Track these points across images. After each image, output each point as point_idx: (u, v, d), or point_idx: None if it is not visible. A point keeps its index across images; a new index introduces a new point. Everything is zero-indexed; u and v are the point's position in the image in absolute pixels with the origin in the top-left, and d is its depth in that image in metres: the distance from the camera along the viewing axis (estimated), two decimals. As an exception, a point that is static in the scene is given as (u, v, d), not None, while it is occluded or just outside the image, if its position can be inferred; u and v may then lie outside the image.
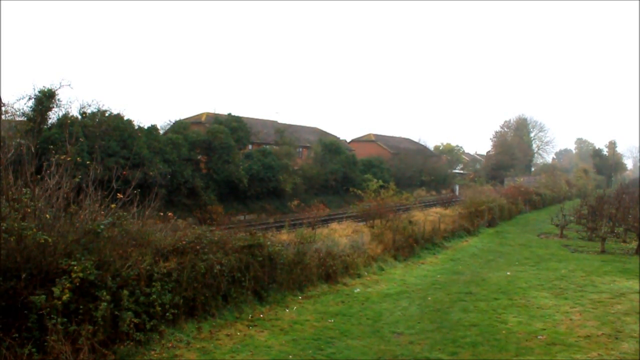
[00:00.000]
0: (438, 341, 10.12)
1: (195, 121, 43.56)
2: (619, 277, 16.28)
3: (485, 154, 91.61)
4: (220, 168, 33.28)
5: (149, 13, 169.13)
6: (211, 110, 48.38)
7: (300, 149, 50.92)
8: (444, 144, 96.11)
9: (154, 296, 9.30)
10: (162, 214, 11.86)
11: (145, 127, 30.40)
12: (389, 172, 52.06)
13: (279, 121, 55.49)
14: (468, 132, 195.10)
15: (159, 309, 9.30)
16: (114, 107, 43.38)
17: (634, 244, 22.53)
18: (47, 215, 8.86)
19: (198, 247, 10.88)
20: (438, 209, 29.60)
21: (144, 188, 16.47)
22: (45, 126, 25.88)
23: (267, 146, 40.65)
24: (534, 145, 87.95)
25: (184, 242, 10.77)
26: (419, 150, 71.00)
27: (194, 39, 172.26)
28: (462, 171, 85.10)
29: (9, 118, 24.45)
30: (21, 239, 8.04)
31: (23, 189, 9.07)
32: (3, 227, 7.99)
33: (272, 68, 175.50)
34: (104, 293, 8.39)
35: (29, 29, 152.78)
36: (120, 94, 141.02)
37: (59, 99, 26.15)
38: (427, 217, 24.75)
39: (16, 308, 7.70)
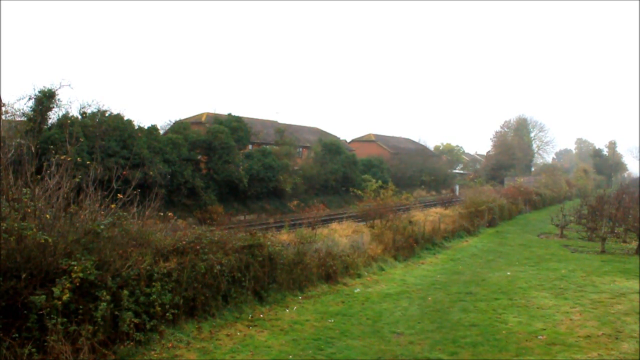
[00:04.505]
0: (438, 341, 10.12)
1: (195, 121, 43.57)
2: (619, 277, 16.28)
3: (485, 154, 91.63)
4: (220, 168, 33.27)
5: (149, 13, 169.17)
6: (211, 110, 48.45)
7: (300, 149, 50.91)
8: (444, 144, 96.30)
9: (154, 296, 9.29)
10: (162, 214, 11.84)
11: (145, 127, 30.40)
12: (389, 172, 52.09)
13: (279, 121, 55.50)
14: (468, 132, 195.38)
15: (159, 309, 9.30)
16: (114, 107, 43.59)
17: (634, 244, 22.52)
18: (47, 215, 8.85)
19: (198, 247, 10.87)
20: (438, 209, 29.60)
21: (144, 188, 16.51)
22: (45, 126, 25.89)
23: (267, 146, 40.64)
24: (534, 145, 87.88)
25: (184, 242, 10.77)
26: (419, 150, 71.04)
27: (194, 39, 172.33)
28: (462, 171, 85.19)
29: (9, 118, 24.47)
30: (21, 239, 8.03)
31: (23, 189, 9.06)
32: (3, 227, 7.98)
33: (272, 68, 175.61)
34: (104, 293, 8.38)
35: (29, 29, 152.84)
36: (120, 94, 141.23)
37: (59, 99, 26.20)
38: (427, 217, 24.75)
39: (16, 308, 7.70)
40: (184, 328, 9.84)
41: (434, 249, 22.06)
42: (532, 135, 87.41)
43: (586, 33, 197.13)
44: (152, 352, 8.80)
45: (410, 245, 20.37)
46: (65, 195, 9.47)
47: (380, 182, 26.64)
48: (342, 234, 18.15)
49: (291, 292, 13.27)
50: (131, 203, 10.25)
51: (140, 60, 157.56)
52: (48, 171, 9.65)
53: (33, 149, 11.05)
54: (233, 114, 38.10)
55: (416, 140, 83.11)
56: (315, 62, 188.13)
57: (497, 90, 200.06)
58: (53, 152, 10.73)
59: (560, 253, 21.77)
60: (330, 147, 46.38)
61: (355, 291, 14.31)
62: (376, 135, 72.87)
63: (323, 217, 25.19)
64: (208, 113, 47.54)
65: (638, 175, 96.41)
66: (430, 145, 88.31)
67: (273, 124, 52.42)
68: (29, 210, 8.69)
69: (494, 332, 10.61)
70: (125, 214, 9.87)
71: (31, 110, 25.45)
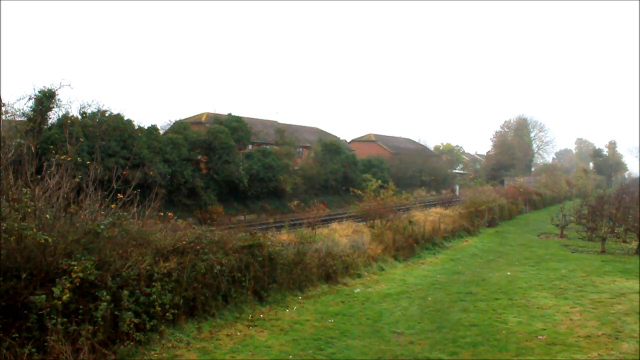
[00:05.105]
0: (438, 341, 10.12)
1: (195, 121, 43.55)
2: (619, 277, 16.28)
3: (485, 154, 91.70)
4: (220, 168, 33.27)
5: (149, 13, 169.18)
6: (211, 110, 48.41)
7: (300, 149, 50.89)
8: (444, 144, 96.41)
9: (154, 296, 9.29)
10: (162, 214, 11.83)
11: (145, 127, 30.39)
12: (389, 172, 52.07)
13: (279, 121, 55.47)
14: (468, 132, 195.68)
15: (159, 309, 9.30)
16: (114, 107, 43.56)
17: (634, 244, 22.51)
18: (47, 215, 8.85)
19: (198, 247, 10.87)
20: (438, 209, 29.57)
21: (144, 188, 16.52)
22: (45, 126, 25.88)
23: (267, 146, 40.62)
24: (534, 145, 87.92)
25: (184, 242, 10.76)
26: (419, 150, 71.02)
27: (194, 39, 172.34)
28: (462, 171, 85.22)
29: (9, 118, 24.46)
30: (21, 239, 8.03)
31: (23, 189, 9.06)
32: (3, 227, 7.98)
33: (272, 68, 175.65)
34: (104, 293, 8.38)
35: (29, 29, 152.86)
36: (120, 94, 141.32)
37: (59, 99, 26.20)
38: (427, 217, 24.73)
39: (16, 308, 7.70)
40: (184, 328, 9.84)
41: (434, 249, 22.05)
42: (532, 135, 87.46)
43: (586, 33, 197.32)
44: (152, 352, 8.80)
45: (410, 245, 20.36)
46: (65, 195, 9.47)
47: (380, 182, 26.63)
48: (342, 234, 18.13)
49: (291, 292, 13.26)
50: (131, 203, 10.25)
51: (140, 60, 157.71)
52: (48, 171, 9.65)
53: (33, 149, 11.03)
54: (233, 114, 38.07)
55: (416, 140, 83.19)
56: (315, 62, 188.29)
57: (497, 90, 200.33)
58: (53, 152, 10.74)
59: (560, 253, 21.77)
60: (330, 147, 46.37)
61: (355, 291, 14.31)
62: (376, 135, 72.86)
63: (323, 217, 25.21)
64: (208, 113, 47.51)
65: (638, 175, 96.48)
66: (430, 145, 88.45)
67: (273, 124, 52.38)
68: (29, 210, 8.69)
69: (494, 332, 10.61)
70: (125, 214, 9.87)
71: (31, 110, 25.44)
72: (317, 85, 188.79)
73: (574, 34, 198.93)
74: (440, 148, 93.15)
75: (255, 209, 36.10)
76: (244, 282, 11.77)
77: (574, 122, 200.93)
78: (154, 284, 9.43)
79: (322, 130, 62.44)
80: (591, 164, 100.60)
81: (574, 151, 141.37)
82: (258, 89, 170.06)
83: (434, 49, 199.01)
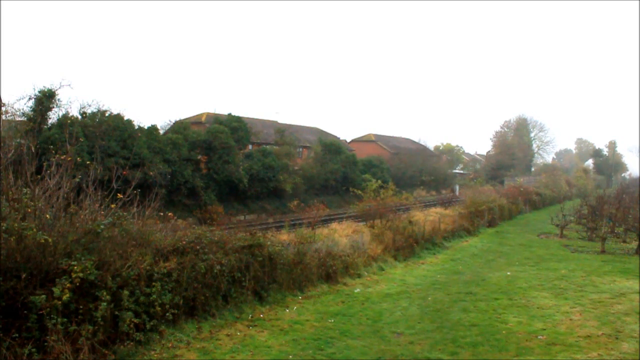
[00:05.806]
0: (438, 341, 10.12)
1: (195, 121, 43.55)
2: (619, 277, 16.29)
3: (485, 154, 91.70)
4: (220, 168, 33.27)
5: (149, 13, 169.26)
6: (211, 110, 48.42)
7: (300, 149, 50.87)
8: (444, 144, 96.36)
9: (154, 296, 9.29)
10: (162, 214, 11.84)
11: (145, 127, 30.41)
12: (388, 172, 52.09)
13: (279, 121, 55.47)
14: (468, 132, 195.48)
15: (159, 309, 9.30)
16: (114, 107, 43.53)
17: (634, 244, 22.53)
18: (47, 215, 8.85)
19: (198, 247, 10.88)
20: (438, 209, 29.59)
21: (144, 188, 16.43)
22: (45, 126, 25.90)
23: (267, 146, 40.62)
24: (534, 145, 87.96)
25: (184, 242, 10.77)
26: (419, 150, 71.03)
27: (193, 39, 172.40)
28: (462, 171, 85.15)
29: (9, 118, 24.45)
30: (21, 239, 8.03)
31: (23, 189, 9.06)
32: (3, 227, 7.98)
33: (272, 68, 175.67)
34: (104, 293, 8.39)
35: (29, 29, 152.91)
36: (120, 94, 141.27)
37: (59, 99, 26.21)
38: (427, 217, 24.75)
39: (16, 308, 7.70)
40: (184, 328, 9.85)
41: (434, 249, 22.06)
42: (532, 135, 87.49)
43: (586, 33, 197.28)
44: (152, 352, 8.80)
45: (410, 245, 20.36)
46: (65, 195, 9.47)
47: (380, 182, 26.61)
48: (342, 234, 18.14)
49: (291, 292, 13.27)
50: (131, 203, 10.25)
51: (140, 60, 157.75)
52: (48, 171, 9.64)
53: (33, 149, 11.02)
54: (233, 114, 38.07)
55: (416, 140, 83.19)
56: (315, 62, 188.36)
57: (497, 90, 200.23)
58: (53, 152, 10.74)
59: (560, 253, 21.78)
60: (330, 147, 46.35)
61: (355, 291, 14.31)
62: (376, 135, 72.85)
63: (323, 217, 25.17)
64: (208, 113, 47.51)
65: (638, 175, 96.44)
66: (430, 145, 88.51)
67: (273, 124, 52.37)
68: (29, 210, 8.69)
69: (494, 332, 10.61)
70: (125, 214, 9.86)
71: (31, 110, 25.45)
72: (317, 85, 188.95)
73: (574, 33, 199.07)
74: (440, 148, 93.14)
75: (255, 209, 36.10)
76: (244, 282, 11.77)
77: (574, 122, 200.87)
78: (154, 284, 9.43)
79: (322, 130, 62.42)
80: (591, 161, 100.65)
81: (574, 151, 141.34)
82: (258, 89, 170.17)
83: (434, 49, 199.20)
